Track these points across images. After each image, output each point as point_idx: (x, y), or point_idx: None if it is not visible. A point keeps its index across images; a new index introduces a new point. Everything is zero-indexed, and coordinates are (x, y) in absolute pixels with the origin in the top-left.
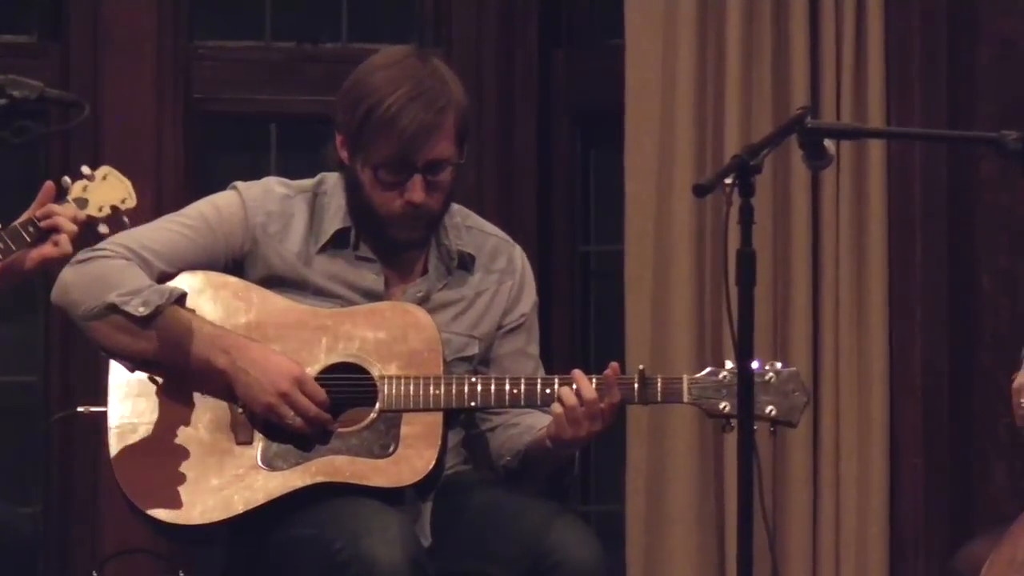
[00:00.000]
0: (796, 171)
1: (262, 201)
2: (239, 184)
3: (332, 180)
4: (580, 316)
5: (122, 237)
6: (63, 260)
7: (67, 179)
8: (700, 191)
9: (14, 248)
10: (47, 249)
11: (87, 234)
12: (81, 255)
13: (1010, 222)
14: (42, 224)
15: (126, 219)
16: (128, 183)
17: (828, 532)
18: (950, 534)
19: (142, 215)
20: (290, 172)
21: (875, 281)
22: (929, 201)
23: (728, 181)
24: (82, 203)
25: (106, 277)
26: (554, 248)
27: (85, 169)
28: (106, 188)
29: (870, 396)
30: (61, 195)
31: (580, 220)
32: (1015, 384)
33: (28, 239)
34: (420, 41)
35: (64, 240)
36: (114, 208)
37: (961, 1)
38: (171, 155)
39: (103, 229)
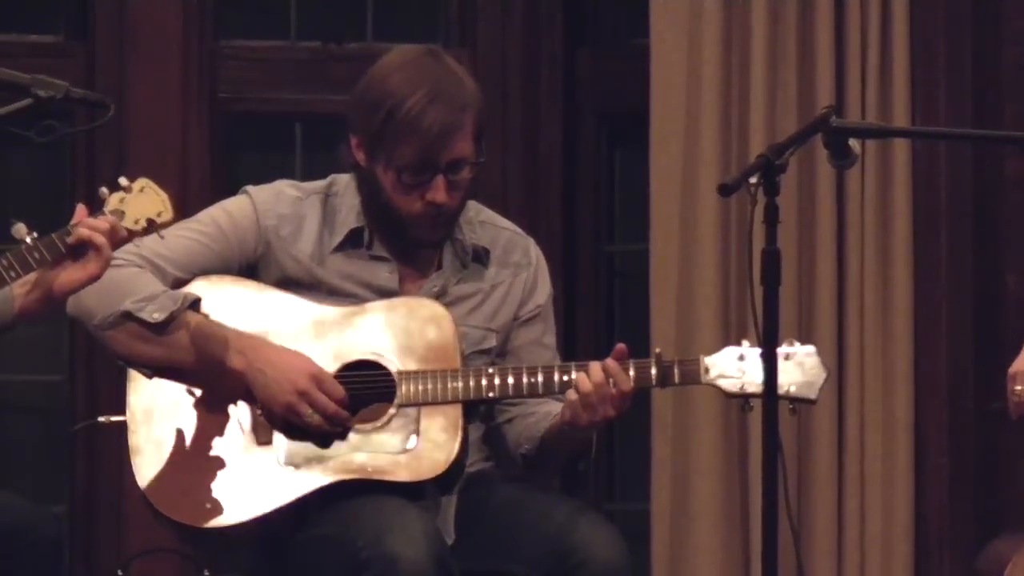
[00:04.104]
0: (821, 170)
1: (273, 204)
2: (250, 188)
3: (343, 181)
4: (605, 316)
5: (135, 246)
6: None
7: (104, 190)
8: (725, 190)
9: (48, 258)
10: (91, 266)
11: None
12: None
13: None
14: (73, 237)
15: (161, 233)
16: (165, 196)
17: (853, 531)
18: (975, 534)
19: None
20: (315, 172)
21: (900, 280)
22: (954, 200)
23: (753, 180)
24: (118, 215)
25: (120, 285)
26: (579, 248)
27: (123, 180)
28: (143, 201)
29: (895, 395)
30: (97, 207)
31: (605, 220)
32: (1011, 370)
33: (62, 248)
34: (445, 41)
35: (103, 247)
36: (150, 221)
37: (986, 1)
38: (196, 155)
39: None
